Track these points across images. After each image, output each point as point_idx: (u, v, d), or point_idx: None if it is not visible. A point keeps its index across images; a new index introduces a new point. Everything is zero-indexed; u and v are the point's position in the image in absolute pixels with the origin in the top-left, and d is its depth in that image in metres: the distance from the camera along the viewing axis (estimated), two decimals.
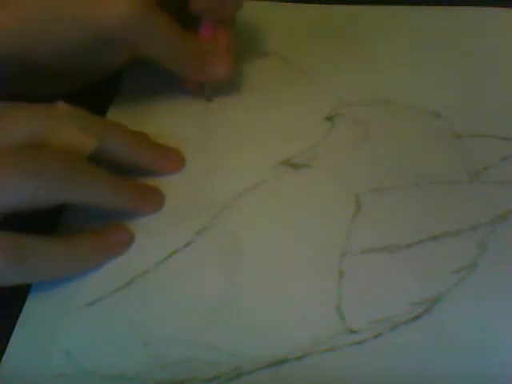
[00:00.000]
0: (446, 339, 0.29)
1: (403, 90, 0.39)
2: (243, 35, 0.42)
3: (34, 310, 0.31)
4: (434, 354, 0.29)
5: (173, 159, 0.36)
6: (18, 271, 0.30)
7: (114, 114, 0.39)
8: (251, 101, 0.39)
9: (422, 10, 0.44)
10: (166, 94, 0.40)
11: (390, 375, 0.28)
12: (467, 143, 0.36)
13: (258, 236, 0.33)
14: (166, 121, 0.39)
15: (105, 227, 0.33)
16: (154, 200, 0.35)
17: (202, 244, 0.33)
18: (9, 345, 0.30)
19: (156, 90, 0.40)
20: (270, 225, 0.34)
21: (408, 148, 0.36)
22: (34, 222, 0.31)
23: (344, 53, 0.41)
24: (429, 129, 0.37)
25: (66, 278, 0.32)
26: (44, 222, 0.33)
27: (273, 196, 0.35)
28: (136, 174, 0.35)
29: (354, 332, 0.30)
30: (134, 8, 0.34)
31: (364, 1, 0.44)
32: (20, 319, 0.31)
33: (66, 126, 0.32)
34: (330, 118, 0.38)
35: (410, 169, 0.35)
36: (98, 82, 0.38)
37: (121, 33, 0.34)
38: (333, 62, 0.41)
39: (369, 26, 0.43)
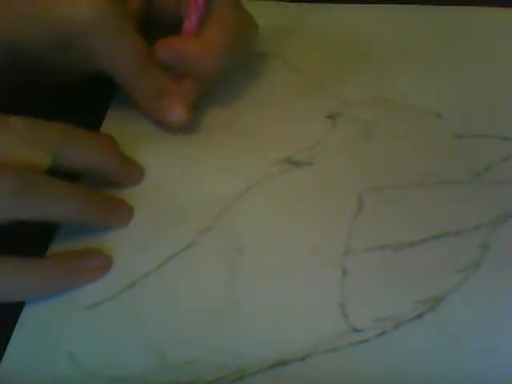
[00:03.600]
0: (450, 338, 0.29)
1: (404, 90, 0.39)
2: None
3: (33, 311, 0.31)
4: (438, 352, 0.29)
5: (133, 172, 0.36)
6: None
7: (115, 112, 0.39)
8: (252, 100, 0.39)
9: (422, 9, 0.44)
10: None
11: (394, 374, 0.28)
12: (468, 143, 0.36)
13: (259, 235, 0.33)
14: None
15: (80, 252, 0.33)
16: (122, 213, 0.34)
17: (204, 245, 0.33)
18: (8, 346, 0.30)
19: None
20: (271, 224, 0.34)
21: (409, 148, 0.36)
22: (25, 241, 0.31)
23: (344, 52, 0.41)
24: (430, 129, 0.37)
25: (32, 299, 0.31)
26: (35, 243, 0.33)
27: (274, 194, 0.35)
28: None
29: (358, 331, 0.30)
30: (95, 11, 0.32)
31: (364, 0, 0.44)
32: (19, 320, 0.31)
33: (16, 146, 0.30)
34: (331, 117, 0.38)
35: (412, 168, 0.35)
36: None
37: (79, 36, 0.33)
38: (333, 61, 0.41)
39: (369, 25, 0.43)
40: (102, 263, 0.32)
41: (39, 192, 0.30)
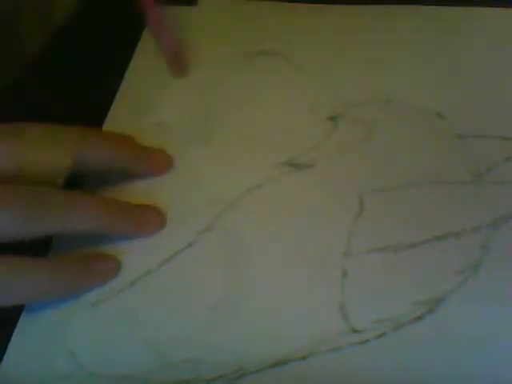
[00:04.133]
0: (449, 339, 0.29)
1: (405, 90, 0.39)
2: (245, 35, 0.42)
3: (35, 310, 0.31)
4: (437, 354, 0.29)
5: (160, 160, 0.36)
6: None
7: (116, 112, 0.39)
8: (253, 100, 0.39)
9: (422, 10, 0.44)
10: (165, 96, 0.40)
11: (394, 375, 0.28)
12: (470, 143, 0.36)
13: (260, 236, 0.33)
14: (167, 121, 0.39)
15: (91, 255, 0.33)
16: (152, 221, 0.34)
17: (205, 244, 0.33)
18: (9, 345, 0.30)
19: (155, 93, 0.40)
20: (272, 225, 0.34)
21: (410, 148, 0.36)
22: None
23: (345, 53, 0.41)
24: (431, 129, 0.37)
25: (48, 301, 0.31)
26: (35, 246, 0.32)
27: (275, 196, 0.35)
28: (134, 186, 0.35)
29: (358, 332, 0.30)
30: None
31: (364, 1, 0.44)
32: (21, 318, 0.31)
33: (36, 152, 0.31)
34: (332, 118, 0.38)
35: (413, 169, 0.35)
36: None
37: None
38: (334, 61, 0.41)
39: (370, 25, 0.43)
40: (112, 267, 0.32)
41: (56, 208, 0.30)
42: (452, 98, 0.39)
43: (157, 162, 0.36)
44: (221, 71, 0.41)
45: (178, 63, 0.40)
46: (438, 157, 0.36)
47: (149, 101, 0.40)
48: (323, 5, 0.44)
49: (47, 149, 0.31)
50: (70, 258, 0.32)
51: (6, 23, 0.36)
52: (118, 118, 0.39)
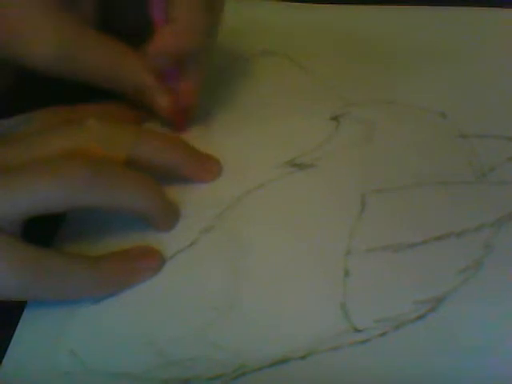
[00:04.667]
0: (451, 339, 0.29)
1: (408, 90, 0.39)
2: (247, 34, 0.42)
3: (36, 309, 0.31)
4: (439, 353, 0.29)
5: (210, 167, 0.36)
6: (36, 289, 0.30)
7: None
8: (255, 100, 0.39)
9: (423, 10, 0.44)
10: None
11: (395, 374, 0.28)
12: (473, 143, 0.36)
13: (262, 235, 0.33)
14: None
15: (134, 250, 0.32)
16: (174, 223, 0.34)
17: (206, 244, 0.33)
18: (11, 343, 0.30)
19: None
20: (274, 224, 0.34)
21: (413, 148, 0.36)
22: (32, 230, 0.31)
23: (347, 53, 0.42)
24: (434, 129, 0.37)
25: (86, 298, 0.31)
26: (42, 231, 0.32)
27: (278, 196, 0.35)
28: None
29: (359, 331, 0.29)
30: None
31: (366, 1, 0.44)
32: (23, 317, 0.31)
33: (92, 147, 0.32)
34: (335, 118, 0.38)
35: (416, 169, 0.35)
36: None
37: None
38: (336, 61, 0.41)
39: (371, 26, 0.43)
40: (156, 263, 0.32)
41: (110, 179, 0.31)
42: (455, 97, 0.39)
43: (208, 167, 0.36)
44: (222, 71, 0.41)
45: (184, 119, 0.38)
46: (441, 157, 0.36)
47: None
48: (325, 5, 0.45)
49: (104, 144, 0.32)
50: (109, 255, 0.32)
51: None
52: None
